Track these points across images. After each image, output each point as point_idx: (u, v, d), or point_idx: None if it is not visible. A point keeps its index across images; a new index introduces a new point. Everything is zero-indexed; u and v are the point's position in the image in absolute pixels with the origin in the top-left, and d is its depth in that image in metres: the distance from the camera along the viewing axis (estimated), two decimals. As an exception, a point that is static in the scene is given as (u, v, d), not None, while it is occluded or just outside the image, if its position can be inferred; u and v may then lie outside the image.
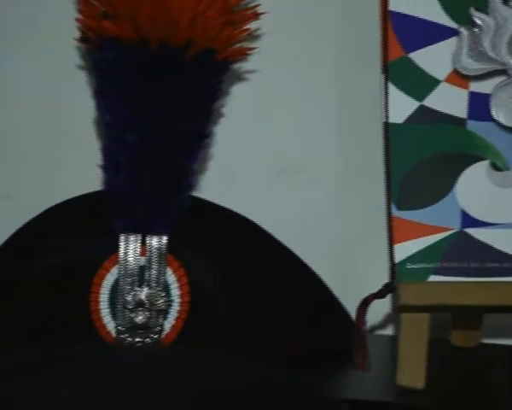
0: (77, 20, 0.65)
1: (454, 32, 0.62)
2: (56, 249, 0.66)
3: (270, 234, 0.67)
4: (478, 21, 0.62)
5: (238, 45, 0.66)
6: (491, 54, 0.62)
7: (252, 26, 0.66)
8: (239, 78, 0.74)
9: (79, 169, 0.73)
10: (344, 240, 0.74)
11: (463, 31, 0.62)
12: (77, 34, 0.65)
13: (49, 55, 0.73)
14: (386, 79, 0.62)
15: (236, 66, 0.71)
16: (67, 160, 0.75)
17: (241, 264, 0.66)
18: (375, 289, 0.63)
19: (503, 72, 0.62)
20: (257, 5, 0.66)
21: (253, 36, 0.70)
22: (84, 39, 0.65)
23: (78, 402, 0.47)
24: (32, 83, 0.74)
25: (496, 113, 0.62)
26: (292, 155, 0.74)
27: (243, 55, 0.67)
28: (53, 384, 0.47)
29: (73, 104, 0.74)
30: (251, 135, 0.74)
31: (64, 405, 0.46)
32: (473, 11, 0.62)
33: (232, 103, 0.73)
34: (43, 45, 0.73)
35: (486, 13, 0.62)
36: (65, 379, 0.48)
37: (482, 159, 0.62)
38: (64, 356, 0.49)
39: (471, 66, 0.62)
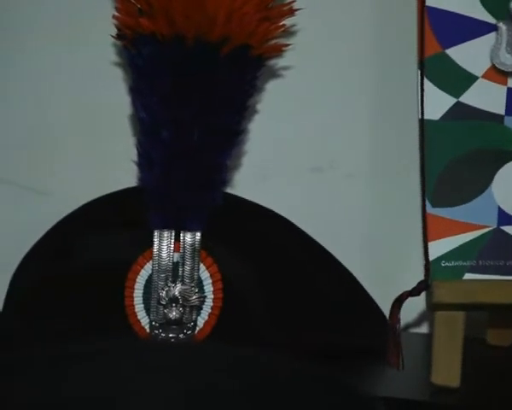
0: (114, 17, 0.65)
1: (492, 28, 0.62)
2: (91, 246, 0.66)
3: (304, 232, 0.67)
4: None
5: (274, 41, 0.66)
6: None
7: (288, 22, 0.66)
8: (274, 74, 0.74)
9: (115, 166, 0.73)
10: (378, 237, 0.74)
11: (502, 26, 0.62)
12: (114, 31, 0.66)
13: (86, 52, 0.74)
14: (422, 74, 0.62)
15: (272, 62, 0.71)
16: (104, 156, 0.75)
17: (275, 261, 0.66)
18: (409, 286, 0.62)
19: None
20: (293, 1, 0.65)
21: (289, 32, 0.70)
22: (120, 36, 0.65)
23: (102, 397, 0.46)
24: (69, 80, 0.75)
25: None
26: (326, 152, 0.74)
27: (279, 51, 0.67)
28: (83, 380, 0.47)
29: (110, 101, 0.74)
30: (285, 132, 0.74)
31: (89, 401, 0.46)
32: None
33: (267, 100, 0.74)
34: (81, 43, 0.74)
35: None
36: (94, 375, 0.47)
37: None
38: (93, 352, 0.48)
39: (509, 61, 0.61)
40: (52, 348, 0.49)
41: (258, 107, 0.73)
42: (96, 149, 0.75)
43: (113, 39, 0.67)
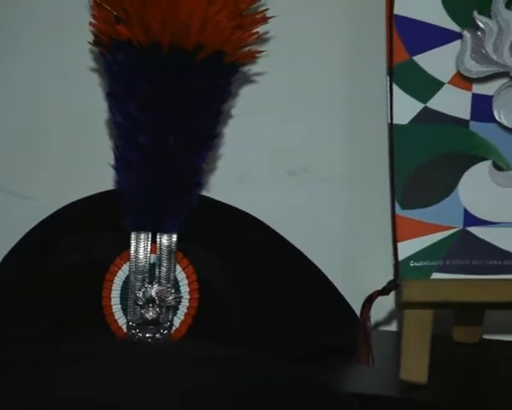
0: (91, 24, 0.66)
1: (457, 36, 0.63)
2: (70, 247, 0.67)
3: (279, 234, 0.68)
4: (481, 25, 0.63)
5: (247, 48, 0.67)
6: (494, 57, 0.62)
7: (261, 29, 0.67)
8: (248, 80, 0.74)
9: (94, 169, 0.74)
10: (350, 239, 0.75)
11: (466, 34, 0.63)
12: (90, 38, 0.66)
13: (64, 59, 0.74)
14: (392, 81, 0.63)
15: (245, 68, 0.72)
16: (83, 161, 0.75)
17: (250, 262, 0.67)
18: (379, 286, 0.63)
19: (505, 74, 0.63)
20: (266, 9, 0.67)
21: (262, 39, 0.70)
22: (97, 43, 0.66)
23: (83, 398, 0.47)
24: (48, 87, 0.75)
25: (498, 114, 0.63)
26: (301, 156, 0.75)
27: (252, 57, 0.68)
28: (60, 381, 0.48)
29: (89, 106, 0.74)
30: (260, 136, 0.75)
31: (72, 401, 0.47)
32: (476, 15, 0.63)
33: (241, 105, 0.74)
34: (60, 50, 0.74)
35: (489, 16, 0.63)
36: (73, 376, 0.48)
37: (484, 159, 0.63)
38: (72, 353, 0.49)
39: (474, 68, 0.63)
40: (40, 348, 0.49)
41: (233, 111, 0.74)
42: (76, 153, 0.76)
43: (90, 46, 0.67)
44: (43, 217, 0.68)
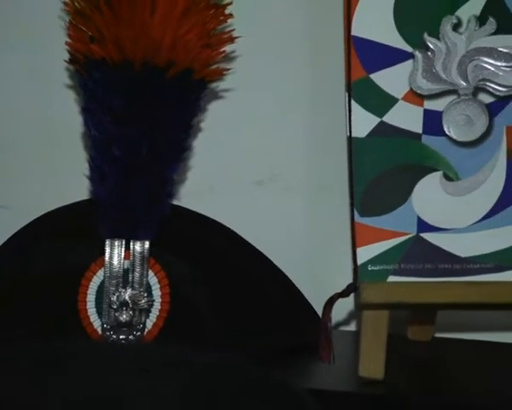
0: (66, 43, 0.68)
1: (410, 56, 0.65)
2: (47, 254, 0.68)
3: (245, 239, 0.70)
4: (431, 46, 0.65)
5: (215, 66, 0.68)
6: (443, 75, 0.65)
7: (228, 48, 0.69)
8: (216, 95, 0.76)
9: (69, 180, 0.75)
10: (313, 244, 0.77)
11: (418, 54, 0.65)
12: (67, 56, 0.68)
13: (41, 75, 0.76)
14: (350, 96, 0.65)
15: (214, 84, 0.74)
16: (58, 171, 0.77)
17: (218, 267, 0.69)
18: (339, 289, 0.65)
19: (453, 91, 0.65)
20: (232, 29, 0.69)
21: (229, 57, 0.73)
22: (73, 61, 0.68)
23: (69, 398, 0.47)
24: (26, 101, 0.77)
25: (447, 128, 0.66)
26: (266, 167, 0.77)
27: (220, 75, 0.70)
28: (41, 382, 0.48)
29: (64, 119, 0.76)
30: (228, 148, 0.77)
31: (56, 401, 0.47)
32: (426, 36, 0.65)
33: (210, 119, 0.76)
34: (37, 67, 0.76)
35: (438, 38, 0.65)
36: (53, 377, 0.48)
37: (435, 170, 0.65)
38: (52, 355, 0.49)
39: (425, 86, 0.65)
40: (24, 350, 0.50)
41: (203, 125, 0.76)
42: (52, 164, 0.77)
43: (66, 64, 0.69)
44: (19, 225, 0.69)
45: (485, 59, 0.66)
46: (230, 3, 0.69)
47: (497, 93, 0.66)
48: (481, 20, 0.66)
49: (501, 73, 0.66)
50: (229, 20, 0.69)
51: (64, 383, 0.48)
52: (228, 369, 0.51)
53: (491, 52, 0.65)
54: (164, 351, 0.53)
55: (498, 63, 0.65)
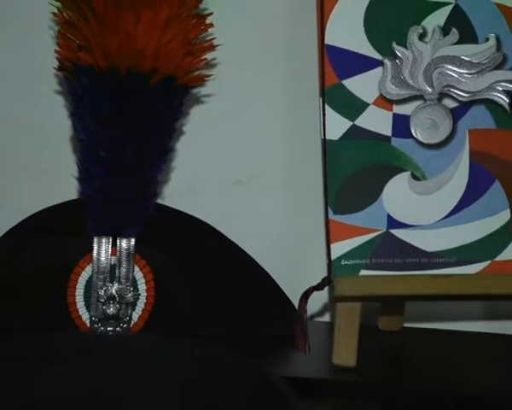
0: (56, 51, 0.69)
1: (379, 63, 0.68)
2: (38, 251, 0.70)
3: (226, 236, 0.72)
4: (399, 54, 0.68)
5: (197, 72, 0.70)
6: (410, 81, 0.67)
7: (209, 56, 0.71)
8: (198, 100, 0.78)
9: (59, 180, 0.76)
10: (289, 240, 0.78)
11: (387, 62, 0.68)
12: (56, 64, 0.70)
13: (33, 81, 0.77)
14: (324, 101, 0.67)
15: (196, 90, 0.76)
16: (48, 172, 0.78)
17: (200, 262, 0.71)
18: (314, 282, 0.66)
19: (420, 97, 0.68)
20: (213, 38, 0.71)
21: (210, 65, 0.74)
22: (61, 68, 0.70)
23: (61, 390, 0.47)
24: (19, 106, 0.78)
25: (415, 131, 0.68)
26: (245, 168, 0.78)
27: (201, 81, 0.72)
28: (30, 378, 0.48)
29: (54, 123, 0.77)
30: (209, 150, 0.78)
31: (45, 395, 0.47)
32: (395, 45, 0.68)
33: (192, 122, 0.78)
34: (29, 74, 0.77)
35: (406, 47, 0.68)
36: (44, 372, 0.49)
37: (404, 170, 0.67)
38: (40, 353, 0.49)
39: (394, 91, 0.68)
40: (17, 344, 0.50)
41: (185, 128, 0.77)
42: (42, 166, 0.78)
43: (55, 71, 0.71)
44: (13, 223, 0.71)
45: (449, 66, 0.68)
46: (211, 14, 0.71)
47: (461, 98, 0.68)
48: (445, 30, 0.68)
49: (463, 80, 0.68)
50: (210, 30, 0.71)
51: (51, 381, 0.48)
52: (227, 367, 0.51)
53: (455, 60, 0.68)
54: (162, 345, 0.52)
55: (461, 70, 0.68)
